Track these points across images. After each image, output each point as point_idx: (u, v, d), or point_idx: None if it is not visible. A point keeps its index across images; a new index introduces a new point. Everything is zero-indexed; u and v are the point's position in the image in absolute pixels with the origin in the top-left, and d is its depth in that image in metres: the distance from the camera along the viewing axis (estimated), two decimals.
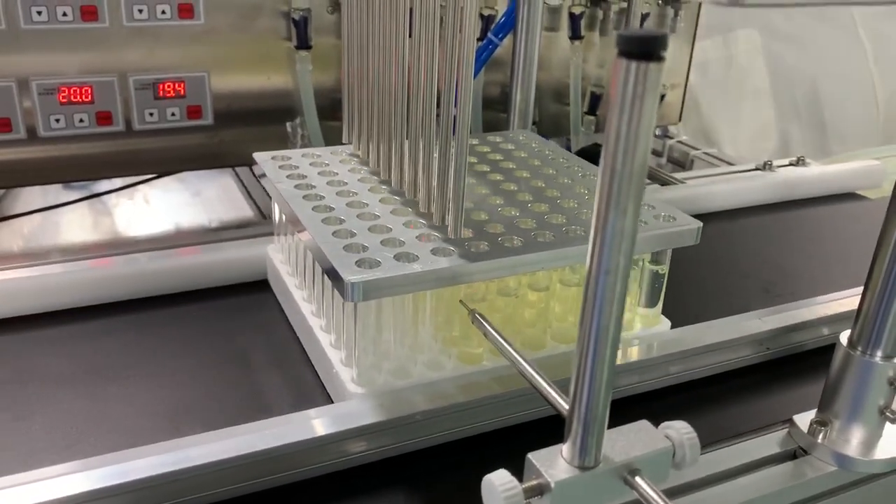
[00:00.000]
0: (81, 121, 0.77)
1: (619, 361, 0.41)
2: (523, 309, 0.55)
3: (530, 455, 0.36)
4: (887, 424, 0.51)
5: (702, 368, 0.60)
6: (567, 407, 0.40)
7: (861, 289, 0.69)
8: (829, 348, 0.61)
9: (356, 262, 0.47)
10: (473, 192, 0.59)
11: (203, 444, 0.46)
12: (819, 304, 0.66)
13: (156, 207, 0.95)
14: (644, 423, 0.39)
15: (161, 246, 0.71)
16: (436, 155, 0.51)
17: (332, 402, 0.54)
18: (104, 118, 0.78)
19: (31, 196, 0.93)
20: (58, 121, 0.76)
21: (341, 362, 0.53)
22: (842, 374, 0.50)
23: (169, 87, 0.80)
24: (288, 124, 0.87)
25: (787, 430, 0.53)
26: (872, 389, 0.49)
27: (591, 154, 0.96)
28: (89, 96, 0.77)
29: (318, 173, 0.61)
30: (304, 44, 0.83)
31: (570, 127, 1.00)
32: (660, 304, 0.60)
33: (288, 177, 0.60)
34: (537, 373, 0.44)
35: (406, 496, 0.48)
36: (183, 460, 0.45)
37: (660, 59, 0.29)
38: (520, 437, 0.53)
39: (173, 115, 0.81)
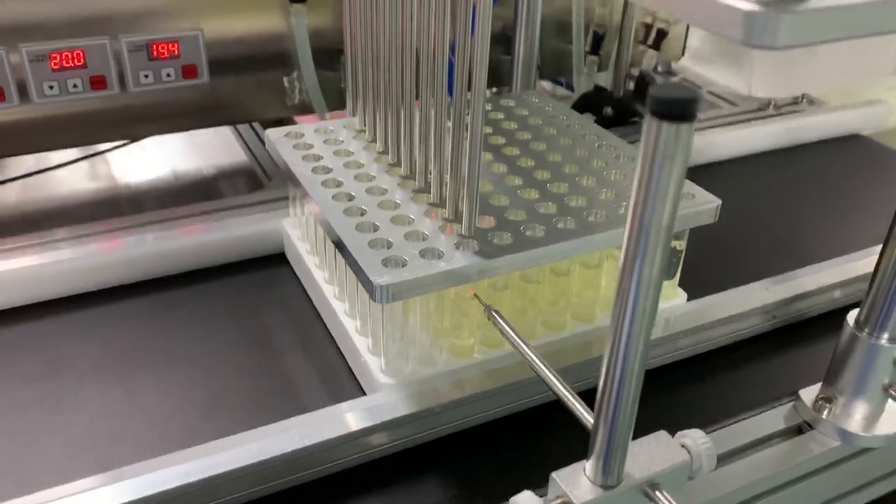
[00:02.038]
0: (75, 86, 0.75)
1: None
2: (545, 291, 0.56)
3: (554, 474, 0.38)
4: (889, 401, 0.52)
5: (711, 341, 0.61)
6: (590, 419, 0.41)
7: (866, 251, 0.69)
8: (835, 313, 0.63)
9: (382, 260, 0.47)
10: (490, 171, 0.58)
11: (242, 444, 0.47)
12: (826, 271, 0.66)
13: (155, 165, 0.94)
14: (662, 435, 0.40)
15: (166, 218, 0.71)
16: (449, 125, 0.50)
17: (360, 385, 0.56)
18: (98, 82, 0.76)
19: (21, 160, 0.91)
20: (51, 87, 0.74)
21: (368, 350, 0.54)
22: (847, 354, 0.52)
23: (162, 47, 0.77)
24: (285, 79, 0.84)
25: (792, 404, 0.55)
26: (877, 370, 0.51)
27: (592, 99, 0.94)
28: (81, 60, 0.75)
29: (333, 153, 0.61)
30: None
31: (573, 67, 0.98)
32: (677, 277, 0.60)
33: (304, 158, 0.60)
34: (555, 377, 0.45)
35: (437, 481, 0.50)
36: (219, 464, 0.46)
37: (693, 119, 0.28)
38: (541, 416, 0.54)
39: (168, 75, 0.79)
